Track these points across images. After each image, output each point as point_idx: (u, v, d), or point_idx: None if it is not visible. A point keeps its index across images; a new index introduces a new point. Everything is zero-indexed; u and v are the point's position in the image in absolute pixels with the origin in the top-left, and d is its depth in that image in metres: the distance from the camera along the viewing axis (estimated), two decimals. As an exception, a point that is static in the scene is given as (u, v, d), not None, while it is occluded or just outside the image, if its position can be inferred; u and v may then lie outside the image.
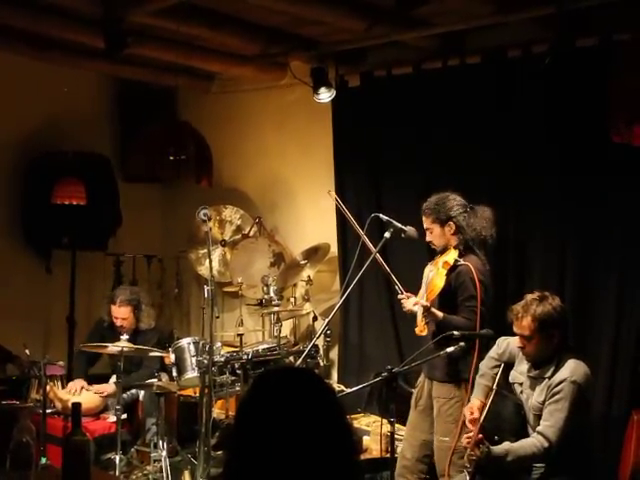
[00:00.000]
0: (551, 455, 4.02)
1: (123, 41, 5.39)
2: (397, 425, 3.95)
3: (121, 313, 6.12)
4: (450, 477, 4.48)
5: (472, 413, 4.32)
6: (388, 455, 4.23)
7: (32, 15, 5.51)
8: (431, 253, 5.11)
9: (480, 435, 4.07)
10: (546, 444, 3.98)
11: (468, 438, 4.16)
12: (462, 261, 4.70)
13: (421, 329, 4.60)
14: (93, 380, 6.24)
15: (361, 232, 5.14)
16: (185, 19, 5.47)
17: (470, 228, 4.78)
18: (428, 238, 4.93)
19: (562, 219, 5.44)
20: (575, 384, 4.00)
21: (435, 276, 4.74)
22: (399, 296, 4.86)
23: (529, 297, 4.20)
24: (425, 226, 4.91)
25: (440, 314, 4.65)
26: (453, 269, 4.71)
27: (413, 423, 5.00)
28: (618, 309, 5.19)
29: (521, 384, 4.31)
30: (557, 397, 4.02)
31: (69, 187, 6.77)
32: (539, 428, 4.06)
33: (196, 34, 5.89)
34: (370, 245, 5.04)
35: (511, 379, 4.40)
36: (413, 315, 4.71)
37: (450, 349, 4.15)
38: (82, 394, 5.89)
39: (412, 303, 4.70)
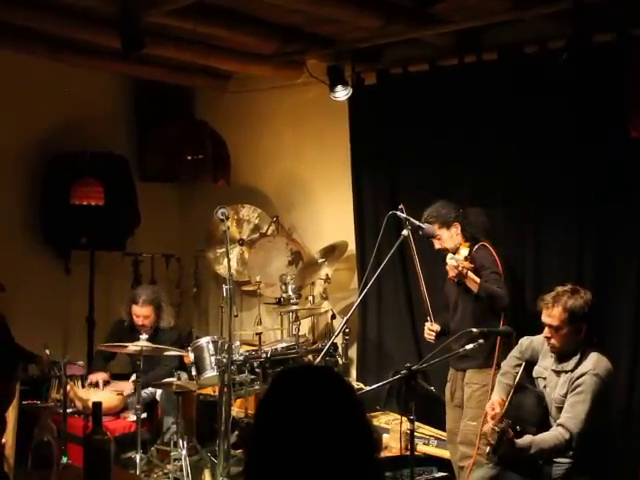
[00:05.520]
0: (572, 446, 4.03)
1: (140, 41, 5.39)
2: (416, 423, 3.96)
3: (143, 312, 6.17)
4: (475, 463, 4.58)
5: (493, 409, 4.35)
6: (408, 453, 4.23)
7: (49, 16, 5.53)
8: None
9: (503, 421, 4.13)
10: (567, 435, 4.00)
11: (493, 418, 4.23)
12: (477, 247, 4.95)
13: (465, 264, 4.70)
14: (114, 378, 6.28)
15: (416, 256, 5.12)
16: (202, 19, 5.49)
17: (471, 224, 5.00)
18: (437, 246, 5.03)
19: (580, 216, 5.42)
20: (597, 377, 4.01)
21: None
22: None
23: (560, 289, 4.22)
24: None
25: (477, 279, 4.79)
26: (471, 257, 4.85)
27: (452, 418, 5.06)
28: (637, 306, 5.17)
29: (545, 378, 4.32)
30: (579, 389, 4.03)
31: (87, 187, 6.77)
32: (560, 420, 4.07)
33: (213, 34, 5.90)
34: (414, 252, 5.07)
35: (535, 374, 4.42)
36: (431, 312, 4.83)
37: (469, 346, 4.16)
38: (102, 392, 5.93)
39: (451, 258, 4.78)
